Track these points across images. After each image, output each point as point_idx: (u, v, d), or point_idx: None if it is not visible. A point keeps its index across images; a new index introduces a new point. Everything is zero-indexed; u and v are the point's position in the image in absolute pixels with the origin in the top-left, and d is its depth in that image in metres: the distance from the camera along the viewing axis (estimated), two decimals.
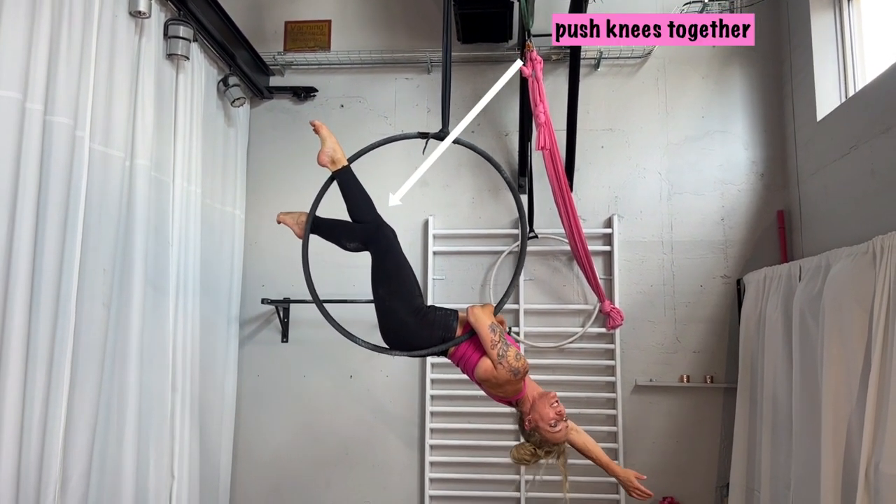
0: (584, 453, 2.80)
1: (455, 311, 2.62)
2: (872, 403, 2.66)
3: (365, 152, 2.86)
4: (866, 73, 3.66)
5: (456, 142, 2.83)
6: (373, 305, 2.64)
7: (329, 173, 2.77)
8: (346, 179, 2.74)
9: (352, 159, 2.81)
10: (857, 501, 2.67)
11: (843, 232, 3.42)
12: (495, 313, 2.51)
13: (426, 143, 2.86)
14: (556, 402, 2.48)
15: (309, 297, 4.19)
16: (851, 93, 3.69)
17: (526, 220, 2.63)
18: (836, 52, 3.83)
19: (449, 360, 2.62)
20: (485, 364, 2.41)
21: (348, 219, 2.79)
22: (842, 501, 2.86)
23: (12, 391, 2.46)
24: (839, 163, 3.51)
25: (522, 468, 4.13)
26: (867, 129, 3.23)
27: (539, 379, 4.17)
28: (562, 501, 4.15)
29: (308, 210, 2.83)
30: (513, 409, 4.18)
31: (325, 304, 2.82)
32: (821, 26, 3.88)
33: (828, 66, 3.84)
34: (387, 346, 2.63)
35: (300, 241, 4.65)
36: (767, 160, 4.32)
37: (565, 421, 2.50)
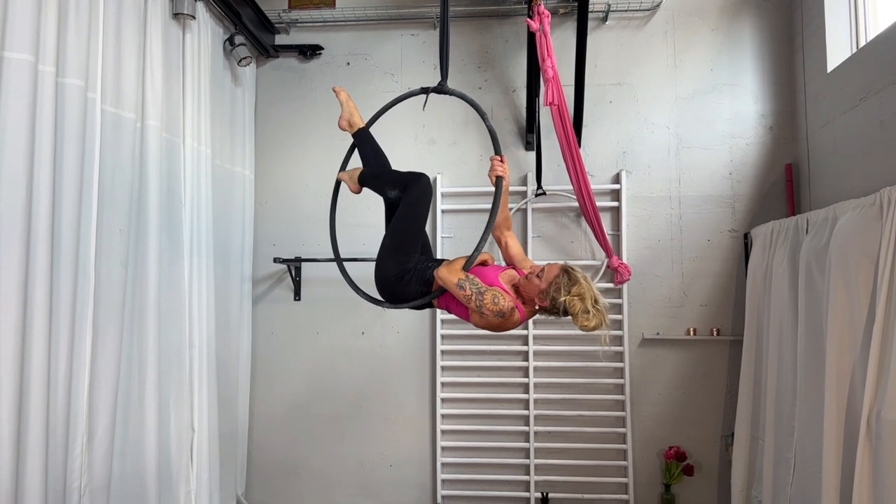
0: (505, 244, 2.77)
1: (439, 262, 2.58)
2: (876, 353, 2.71)
3: (377, 117, 3.03)
4: (878, 22, 3.61)
5: (450, 93, 2.91)
6: None
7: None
8: (360, 141, 2.94)
9: (368, 124, 3.00)
10: (858, 447, 2.74)
11: (850, 184, 3.42)
12: (466, 268, 2.44)
13: (426, 99, 2.95)
14: (520, 274, 2.50)
15: (320, 256, 4.32)
16: (862, 43, 3.65)
17: (499, 144, 2.65)
18: (848, 1, 3.77)
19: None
20: (473, 317, 2.43)
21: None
22: (844, 448, 2.94)
23: (38, 350, 2.53)
24: (848, 115, 3.50)
25: (531, 420, 4.24)
26: (877, 80, 3.21)
27: (546, 333, 4.30)
28: (567, 453, 4.26)
29: (362, 166, 2.95)
30: (523, 363, 4.31)
31: (334, 262, 2.94)
32: None
33: (839, 16, 3.79)
34: (382, 300, 2.67)
35: (308, 202, 4.71)
36: (776, 113, 4.30)
37: (539, 265, 2.47)
